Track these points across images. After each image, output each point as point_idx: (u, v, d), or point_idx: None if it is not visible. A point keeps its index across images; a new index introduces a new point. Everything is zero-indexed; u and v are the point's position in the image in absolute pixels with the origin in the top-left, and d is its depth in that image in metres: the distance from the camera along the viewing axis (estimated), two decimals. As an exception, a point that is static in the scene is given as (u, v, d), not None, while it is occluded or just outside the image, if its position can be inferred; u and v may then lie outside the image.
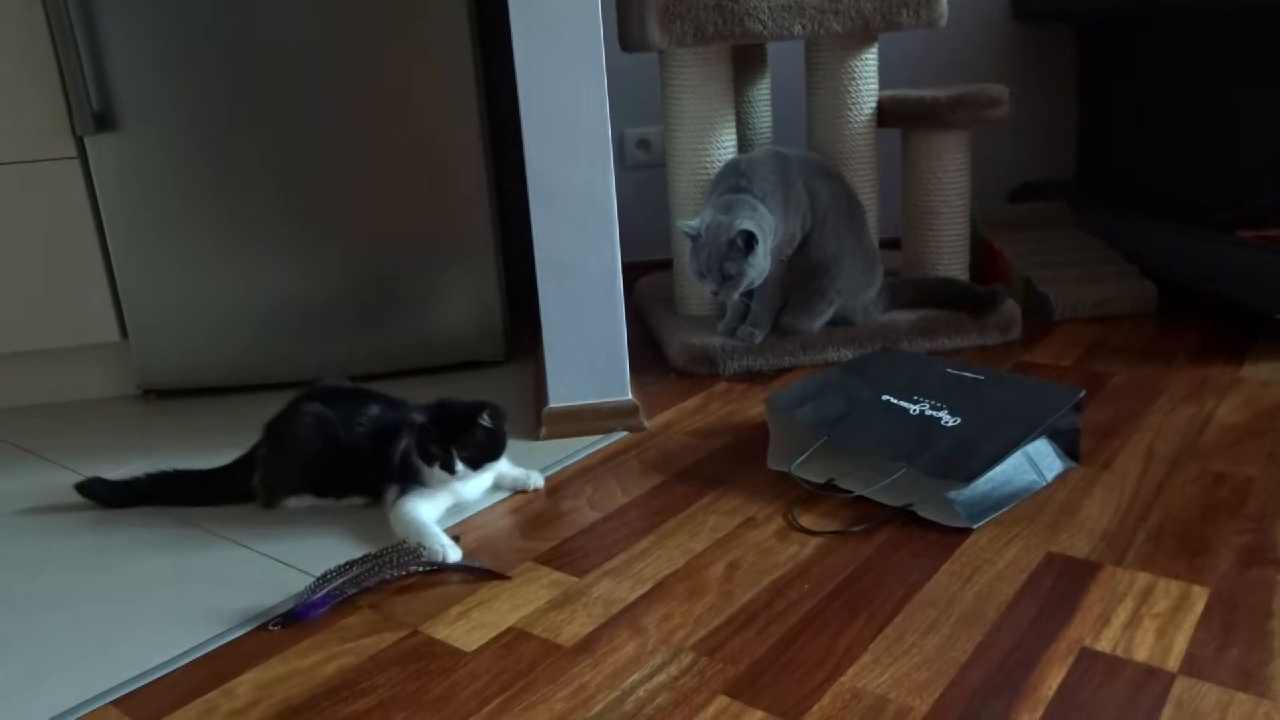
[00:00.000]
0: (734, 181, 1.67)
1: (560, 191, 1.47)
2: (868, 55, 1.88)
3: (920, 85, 2.07)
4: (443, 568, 1.18)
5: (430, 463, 1.26)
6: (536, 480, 1.40)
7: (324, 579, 1.13)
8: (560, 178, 1.47)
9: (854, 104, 1.89)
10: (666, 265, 2.05)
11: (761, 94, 2.07)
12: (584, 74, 1.43)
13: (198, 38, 1.66)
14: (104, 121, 1.69)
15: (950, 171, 1.94)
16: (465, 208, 1.79)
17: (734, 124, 1.88)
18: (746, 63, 2.03)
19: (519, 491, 1.39)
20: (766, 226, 1.63)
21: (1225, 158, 1.96)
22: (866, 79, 1.89)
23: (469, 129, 1.75)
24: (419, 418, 1.27)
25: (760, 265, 1.63)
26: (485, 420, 1.27)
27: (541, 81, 1.43)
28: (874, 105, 1.91)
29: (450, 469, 1.25)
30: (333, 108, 1.72)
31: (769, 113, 2.09)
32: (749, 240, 1.59)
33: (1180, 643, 0.97)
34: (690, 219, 1.68)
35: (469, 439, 1.26)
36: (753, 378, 1.77)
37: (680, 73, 1.83)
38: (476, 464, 1.28)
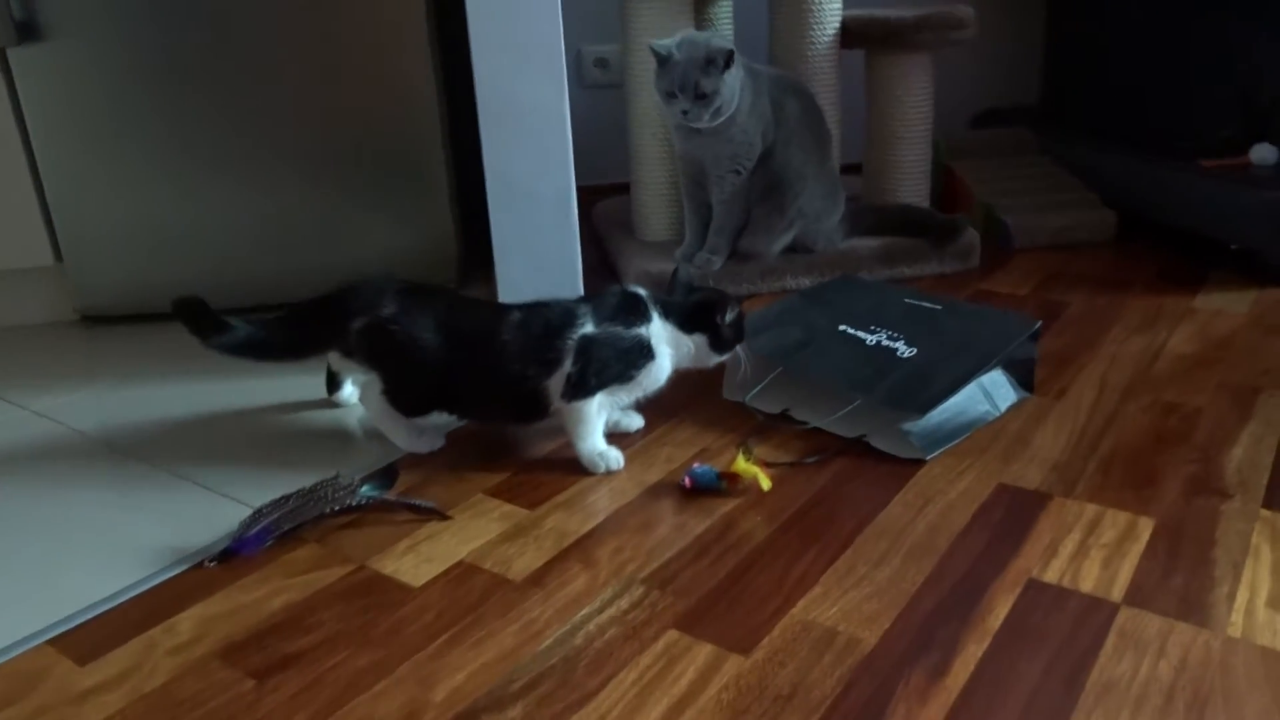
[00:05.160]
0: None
1: (512, 109, 1.42)
2: (833, -28, 1.82)
3: (885, 5, 2.01)
4: (384, 504, 1.15)
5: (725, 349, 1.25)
6: (638, 421, 1.32)
7: (259, 514, 1.10)
8: (512, 94, 1.41)
9: (817, 23, 1.84)
10: (625, 189, 2.00)
11: (723, 11, 1.99)
12: (536, -14, 1.37)
13: (125, -60, 1.56)
14: (28, 30, 1.59)
15: (913, 95, 1.90)
16: (416, 125, 1.71)
17: (694, 42, 1.82)
18: (708, -22, 1.95)
19: (619, 432, 1.30)
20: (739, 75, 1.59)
21: (1188, 87, 1.94)
22: (831, -3, 1.83)
23: (417, 39, 1.67)
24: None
25: (733, 91, 1.58)
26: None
27: (491, -7, 1.36)
28: (838, 25, 1.86)
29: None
30: (277, 15, 1.62)
31: (731, 31, 2.02)
32: (729, 58, 1.55)
33: (1125, 573, 0.98)
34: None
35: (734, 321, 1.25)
36: (710, 305, 1.74)
37: (639, -13, 1.76)
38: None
